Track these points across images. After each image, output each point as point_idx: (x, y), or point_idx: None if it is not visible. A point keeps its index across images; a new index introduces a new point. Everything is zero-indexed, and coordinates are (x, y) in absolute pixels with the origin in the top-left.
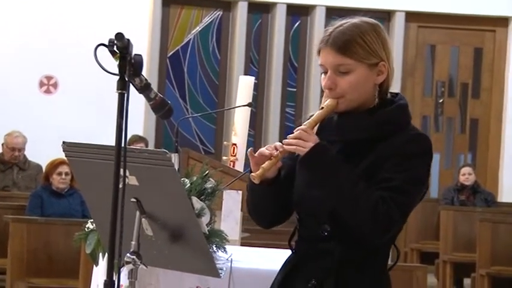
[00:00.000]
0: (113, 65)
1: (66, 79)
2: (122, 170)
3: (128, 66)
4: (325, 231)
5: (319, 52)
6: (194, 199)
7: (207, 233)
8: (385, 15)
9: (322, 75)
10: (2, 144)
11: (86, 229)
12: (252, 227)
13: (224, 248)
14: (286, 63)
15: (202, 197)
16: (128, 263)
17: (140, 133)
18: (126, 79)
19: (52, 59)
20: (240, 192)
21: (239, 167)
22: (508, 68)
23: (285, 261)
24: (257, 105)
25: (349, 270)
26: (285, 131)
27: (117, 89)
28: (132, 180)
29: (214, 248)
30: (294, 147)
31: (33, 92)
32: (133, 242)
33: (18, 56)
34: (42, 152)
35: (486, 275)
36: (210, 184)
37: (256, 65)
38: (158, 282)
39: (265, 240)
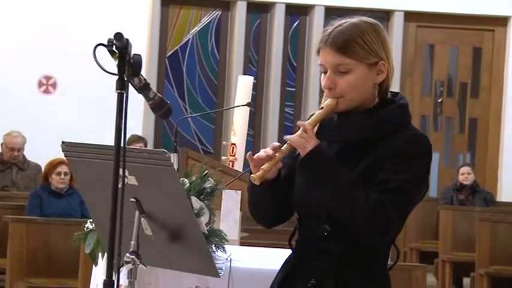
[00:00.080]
0: (112, 65)
1: (65, 79)
2: (121, 170)
3: (127, 66)
4: (325, 231)
5: (318, 52)
6: (193, 199)
7: (206, 232)
8: (384, 15)
9: (322, 75)
10: (1, 144)
11: (85, 229)
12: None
13: (223, 248)
14: (285, 63)
15: (202, 196)
16: (127, 262)
17: (139, 133)
18: (125, 79)
19: (51, 59)
20: (239, 192)
21: (238, 166)
22: (507, 67)
23: (285, 261)
24: (256, 105)
25: (349, 270)
26: (284, 131)
27: (116, 89)
28: (131, 180)
29: (214, 248)
30: (298, 143)
31: (32, 92)
32: (132, 242)
33: (17, 56)
34: (42, 152)
35: (485, 274)
36: (209, 184)
37: (255, 65)
38: (157, 282)
39: (265, 240)
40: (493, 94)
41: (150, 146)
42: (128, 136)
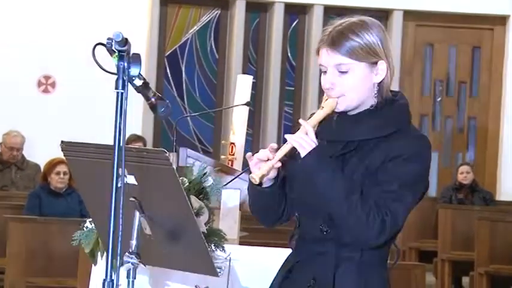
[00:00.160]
0: (111, 64)
1: (65, 78)
2: (120, 169)
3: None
4: (324, 231)
5: (318, 51)
6: (193, 198)
7: (206, 232)
8: (383, 14)
9: (322, 74)
10: (0, 144)
11: (84, 228)
12: (251, 226)
13: (223, 247)
14: (284, 62)
15: (201, 196)
16: (126, 262)
17: (138, 132)
18: (125, 78)
19: (50, 58)
20: (239, 191)
21: (237, 166)
22: (506, 66)
23: (285, 260)
24: (255, 104)
25: (348, 270)
26: (283, 130)
27: (116, 88)
28: (130, 179)
29: (213, 247)
30: (297, 143)
31: (32, 91)
32: (132, 241)
33: (17, 55)
34: (41, 151)
35: (484, 273)
36: (208, 183)
37: (254, 64)
38: (157, 282)
39: (264, 239)
40: (492, 93)
41: (149, 146)
42: (126, 135)
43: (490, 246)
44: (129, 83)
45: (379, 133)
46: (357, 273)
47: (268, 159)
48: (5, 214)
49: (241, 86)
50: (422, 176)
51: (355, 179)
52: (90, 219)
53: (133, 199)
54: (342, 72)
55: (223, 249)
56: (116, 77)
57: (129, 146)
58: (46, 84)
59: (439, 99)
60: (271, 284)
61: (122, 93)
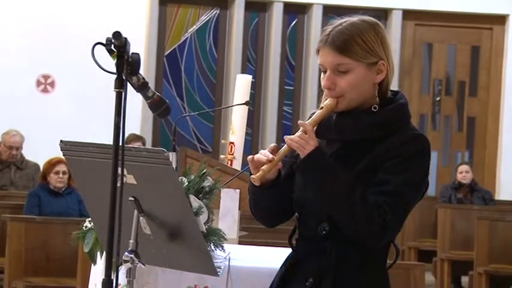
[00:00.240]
0: (110, 63)
1: (64, 78)
2: (119, 169)
3: (126, 65)
4: (323, 230)
5: (318, 51)
6: (192, 198)
7: (205, 231)
8: (382, 13)
9: (322, 74)
10: (0, 143)
11: (83, 228)
12: (250, 226)
13: (222, 247)
14: (284, 61)
15: (200, 195)
16: (126, 261)
17: (137, 132)
18: (124, 78)
19: (49, 58)
20: (238, 190)
21: (237, 165)
22: (505, 66)
23: (285, 260)
24: (254, 104)
25: (348, 269)
26: (282, 130)
27: (115, 88)
28: (129, 179)
29: (212, 247)
30: (297, 145)
31: (31, 91)
32: (131, 241)
33: (16, 55)
34: (40, 151)
35: (484, 272)
36: (207, 183)
37: (253, 64)
38: (156, 281)
39: (263, 239)
40: (491, 92)
41: (148, 145)
42: (126, 135)
43: (489, 245)
44: (128, 83)
45: (378, 132)
46: (357, 273)
47: (268, 160)
48: (4, 214)
49: (241, 86)
50: (423, 175)
51: (355, 179)
52: (90, 219)
53: (132, 199)
54: (342, 72)
55: (222, 249)
56: (115, 76)
57: (129, 145)
58: (45, 83)
59: (438, 98)
60: (271, 283)
61: (121, 93)
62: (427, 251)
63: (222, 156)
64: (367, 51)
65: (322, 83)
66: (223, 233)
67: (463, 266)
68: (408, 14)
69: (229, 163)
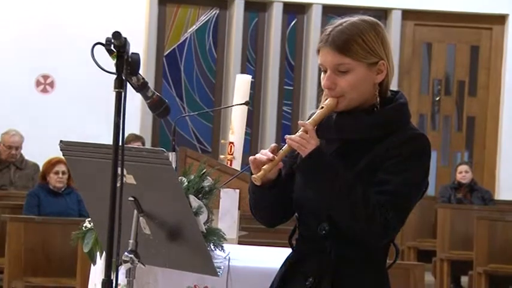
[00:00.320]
0: (110, 63)
1: (63, 78)
2: (119, 169)
3: (125, 65)
4: (323, 230)
5: (318, 51)
6: (192, 198)
7: (205, 231)
8: (382, 13)
9: (322, 74)
10: None
11: (83, 228)
12: (250, 226)
13: (222, 247)
14: (283, 61)
15: (200, 195)
16: (125, 261)
17: (137, 132)
18: (123, 78)
19: (49, 58)
20: (238, 190)
21: (236, 165)
22: (504, 65)
23: (285, 260)
24: (254, 104)
25: (347, 269)
26: (282, 129)
27: (114, 88)
28: (129, 179)
29: (212, 247)
30: (297, 145)
31: (30, 90)
32: (131, 241)
33: (15, 55)
34: (39, 151)
35: (483, 272)
36: (207, 183)
37: (253, 64)
38: (156, 281)
39: (263, 239)
40: (490, 92)
41: (148, 145)
42: (125, 135)
43: (488, 245)
44: (128, 83)
45: (378, 132)
46: (357, 273)
47: (269, 160)
48: (3, 214)
49: (240, 86)
50: (423, 174)
51: (355, 179)
52: (89, 219)
53: (132, 199)
54: (342, 72)
55: (222, 249)
56: (114, 76)
57: (128, 145)
58: (45, 83)
59: (437, 98)
60: (271, 283)
61: (120, 93)
62: (426, 251)
63: (221, 156)
64: (368, 51)
65: (323, 83)
66: (223, 233)
67: (462, 266)
68: (408, 14)
69: (228, 163)
